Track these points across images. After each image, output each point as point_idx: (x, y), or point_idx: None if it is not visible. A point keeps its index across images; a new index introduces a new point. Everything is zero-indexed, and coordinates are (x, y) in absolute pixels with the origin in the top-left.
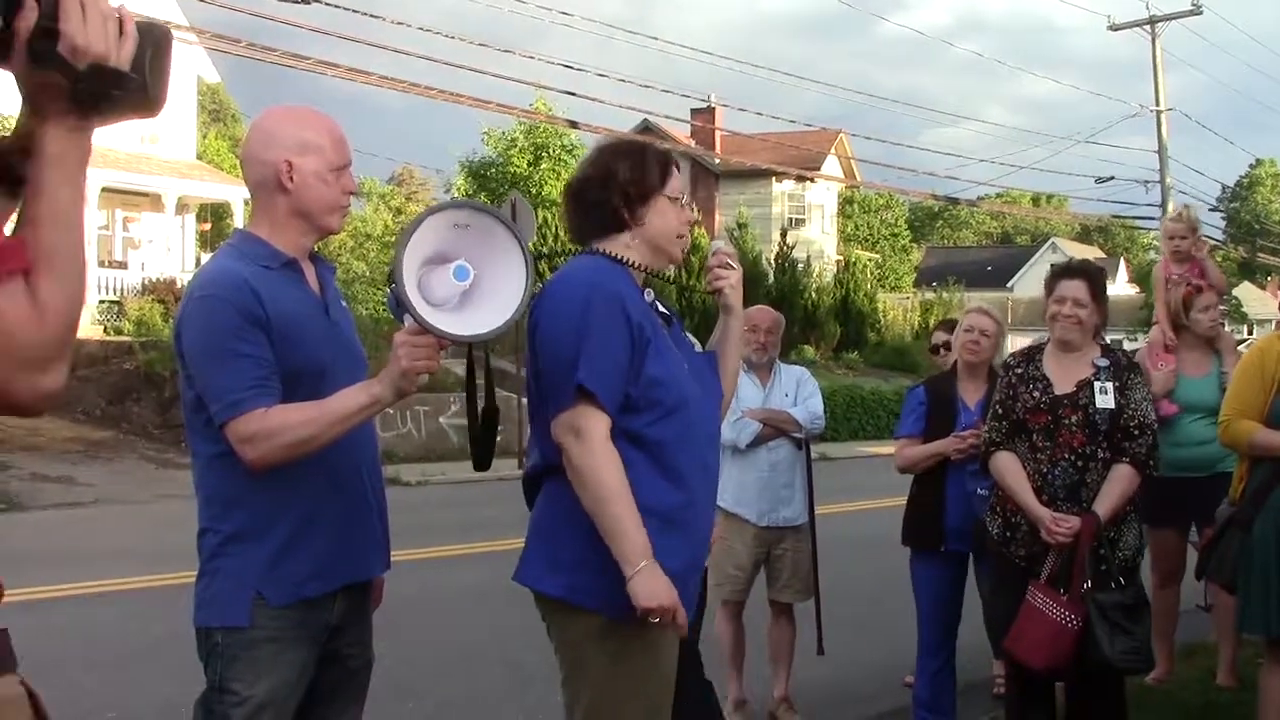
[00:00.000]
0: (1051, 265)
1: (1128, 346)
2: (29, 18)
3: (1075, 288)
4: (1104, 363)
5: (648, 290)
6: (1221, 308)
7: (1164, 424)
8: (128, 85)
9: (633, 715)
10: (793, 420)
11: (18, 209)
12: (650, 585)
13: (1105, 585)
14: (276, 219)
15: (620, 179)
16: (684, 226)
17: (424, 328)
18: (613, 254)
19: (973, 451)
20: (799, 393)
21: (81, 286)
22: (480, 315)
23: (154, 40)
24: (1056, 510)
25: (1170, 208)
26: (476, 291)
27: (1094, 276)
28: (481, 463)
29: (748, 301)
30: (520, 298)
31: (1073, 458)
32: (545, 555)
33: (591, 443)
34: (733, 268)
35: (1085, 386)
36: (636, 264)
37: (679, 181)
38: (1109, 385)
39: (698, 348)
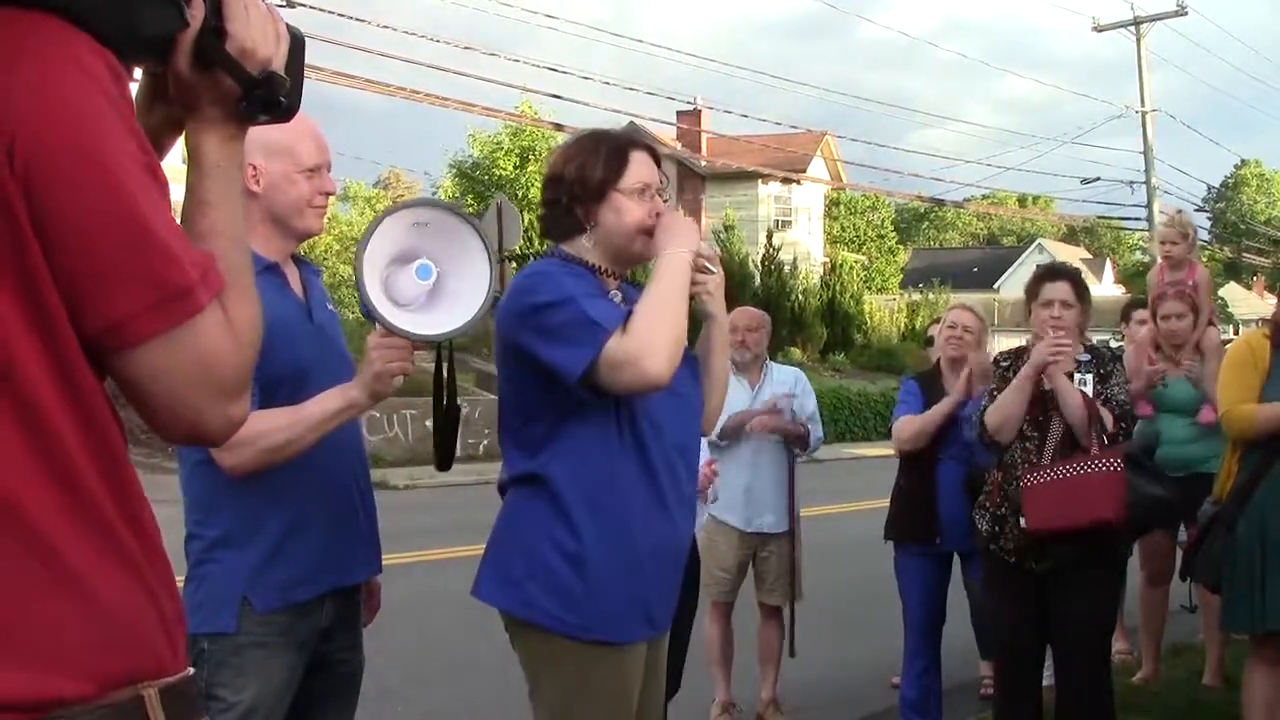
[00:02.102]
0: (1037, 267)
1: (1114, 345)
2: (196, 15)
3: (1061, 289)
4: (1085, 357)
5: (615, 293)
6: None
7: None
8: (289, 91)
9: None
10: (802, 436)
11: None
12: (674, 235)
13: (1116, 439)
14: (251, 224)
15: (567, 179)
16: (650, 220)
17: (389, 330)
18: (572, 255)
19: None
20: (794, 402)
21: (259, 306)
22: (446, 313)
23: (292, 43)
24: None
25: (1156, 208)
26: (442, 289)
27: (1076, 278)
28: (443, 463)
29: (735, 304)
30: (485, 294)
31: (1052, 441)
32: (497, 569)
33: (627, 340)
34: (712, 271)
35: (1068, 378)
36: (599, 266)
37: (644, 170)
38: (1089, 377)
39: None
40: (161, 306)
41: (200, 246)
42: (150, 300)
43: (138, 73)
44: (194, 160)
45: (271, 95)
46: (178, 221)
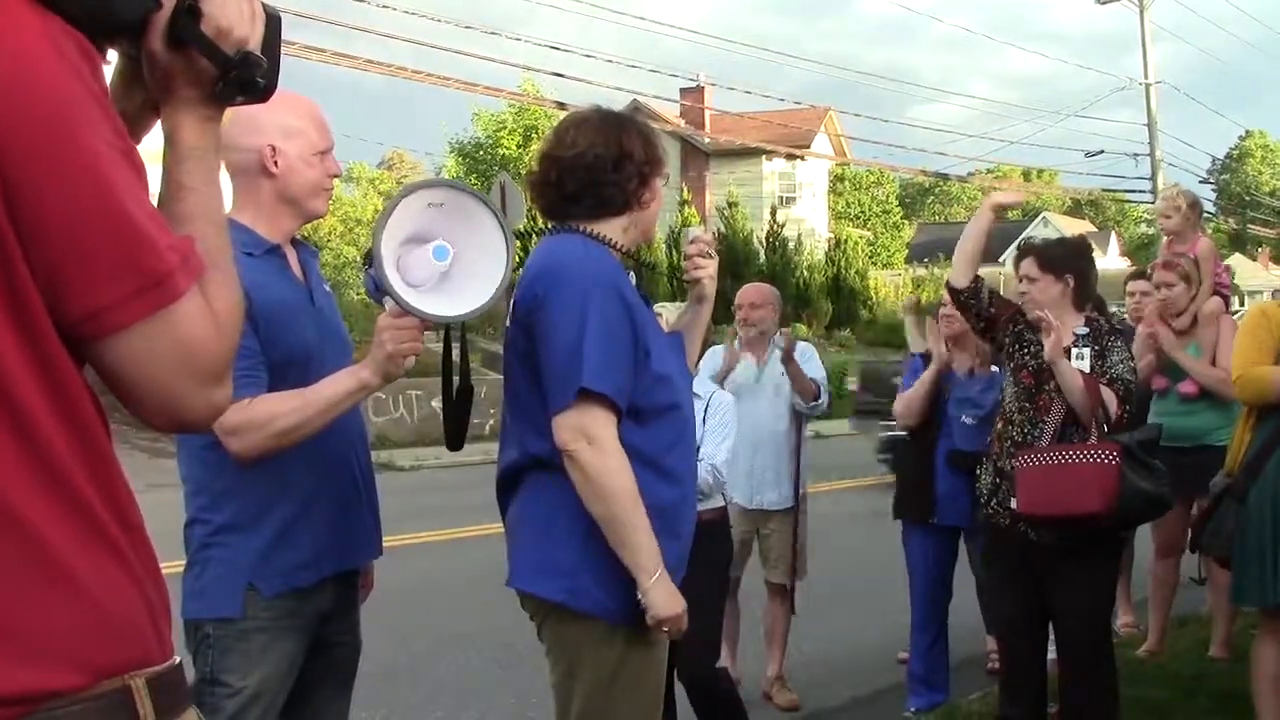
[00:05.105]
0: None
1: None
2: None
3: (1022, 265)
4: (1084, 330)
5: (629, 274)
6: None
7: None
8: (267, 71)
9: (627, 717)
10: (809, 387)
11: None
12: (667, 595)
13: (1121, 422)
14: (261, 205)
15: (636, 158)
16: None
17: (405, 310)
18: (601, 235)
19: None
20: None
21: (240, 290)
22: (460, 295)
23: (269, 21)
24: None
25: (1161, 181)
26: (456, 271)
27: (1043, 251)
28: (454, 442)
29: (740, 281)
30: (502, 275)
31: (1053, 422)
32: (539, 557)
33: (605, 448)
34: (711, 256)
35: (1064, 354)
36: (621, 246)
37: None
38: (1085, 352)
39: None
40: (141, 293)
41: (179, 231)
42: (130, 288)
43: (112, 54)
44: (170, 144)
45: (249, 75)
46: (155, 206)
